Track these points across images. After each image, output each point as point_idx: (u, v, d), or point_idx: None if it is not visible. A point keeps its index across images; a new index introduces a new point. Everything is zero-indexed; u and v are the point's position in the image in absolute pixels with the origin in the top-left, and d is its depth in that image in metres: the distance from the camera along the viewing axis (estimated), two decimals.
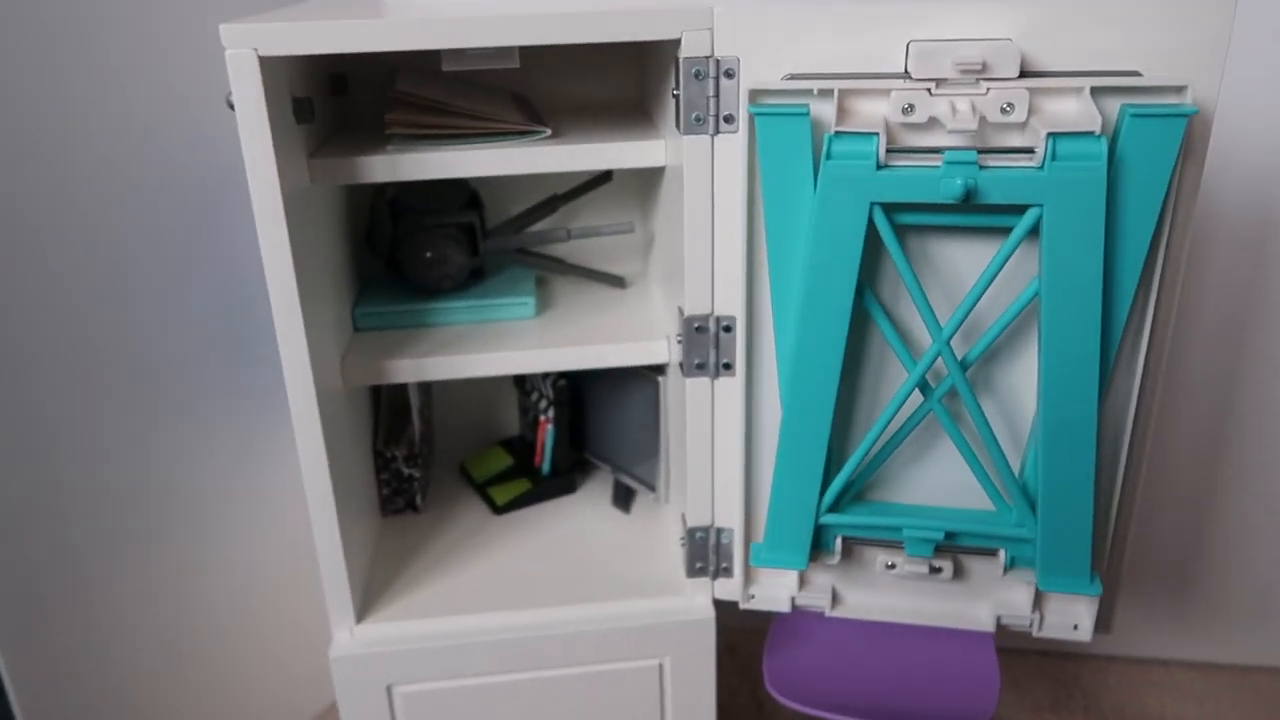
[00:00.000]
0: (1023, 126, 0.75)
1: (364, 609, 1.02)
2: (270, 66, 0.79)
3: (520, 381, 1.28)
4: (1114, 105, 0.73)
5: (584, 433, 1.24)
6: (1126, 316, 0.76)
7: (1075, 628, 0.90)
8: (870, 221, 0.76)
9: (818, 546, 0.89)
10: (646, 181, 1.20)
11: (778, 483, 0.86)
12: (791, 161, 0.77)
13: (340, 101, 1.12)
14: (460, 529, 1.16)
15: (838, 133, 0.74)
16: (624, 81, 1.19)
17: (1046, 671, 1.53)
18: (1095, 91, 0.73)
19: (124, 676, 1.16)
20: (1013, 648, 1.57)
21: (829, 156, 0.74)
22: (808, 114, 0.76)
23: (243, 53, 0.76)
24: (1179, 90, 0.73)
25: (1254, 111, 1.24)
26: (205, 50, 1.12)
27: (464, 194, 1.12)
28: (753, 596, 0.96)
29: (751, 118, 0.78)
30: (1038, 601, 0.90)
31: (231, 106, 0.84)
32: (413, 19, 0.79)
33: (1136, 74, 0.75)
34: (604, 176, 1.16)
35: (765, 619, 1.61)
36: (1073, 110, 0.74)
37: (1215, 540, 1.47)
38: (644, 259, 1.26)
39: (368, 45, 0.78)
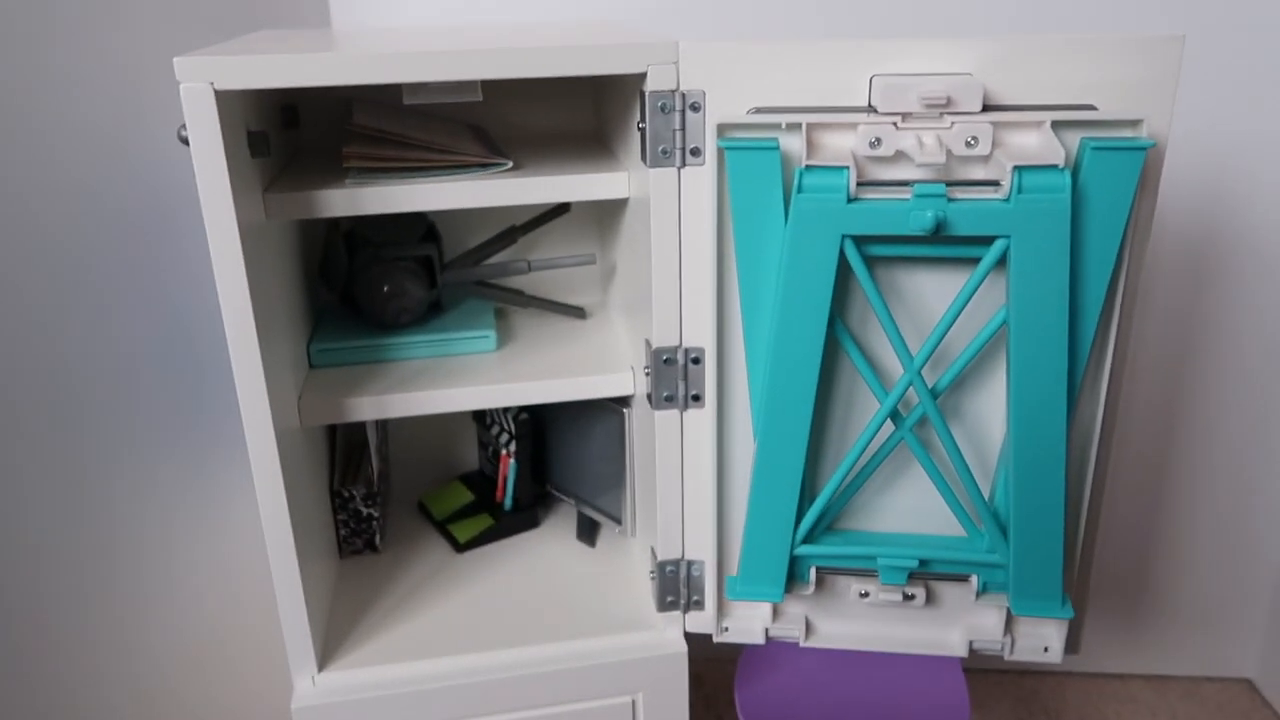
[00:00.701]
0: (986, 159, 0.76)
1: (326, 656, 0.98)
2: (225, 100, 0.77)
3: (480, 415, 1.26)
4: (1073, 138, 0.75)
5: (546, 466, 1.22)
6: (1091, 341, 0.77)
7: (1045, 649, 0.91)
8: (841, 253, 0.76)
9: (792, 577, 0.88)
10: (605, 212, 1.19)
11: (752, 515, 0.85)
12: (761, 194, 0.77)
13: (292, 134, 1.10)
14: (422, 568, 1.13)
15: (808, 166, 0.74)
16: (580, 112, 1.19)
17: (1007, 690, 1.54)
18: (1055, 125, 0.75)
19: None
20: (973, 667, 1.59)
21: (800, 190, 0.74)
22: (778, 148, 0.76)
23: (198, 86, 0.74)
24: (1134, 124, 0.75)
25: (1182, 141, 1.29)
26: (147, 80, 1.08)
27: (421, 226, 1.11)
28: (726, 629, 0.96)
29: (721, 151, 0.78)
30: (1008, 625, 0.91)
31: (184, 141, 0.81)
32: (375, 52, 0.77)
33: (1092, 108, 0.77)
34: (562, 207, 1.15)
35: (730, 649, 1.60)
36: (1034, 143, 0.76)
37: (1163, 557, 1.50)
38: (603, 289, 1.25)
39: (329, 79, 0.76)
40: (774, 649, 1.18)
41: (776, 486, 0.84)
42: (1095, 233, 0.74)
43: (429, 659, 0.98)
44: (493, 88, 1.16)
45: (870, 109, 0.78)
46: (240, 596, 1.31)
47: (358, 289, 1.07)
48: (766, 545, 0.86)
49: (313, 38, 0.95)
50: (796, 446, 0.82)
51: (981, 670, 1.58)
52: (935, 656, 1.16)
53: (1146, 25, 1.25)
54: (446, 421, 1.30)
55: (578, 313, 1.18)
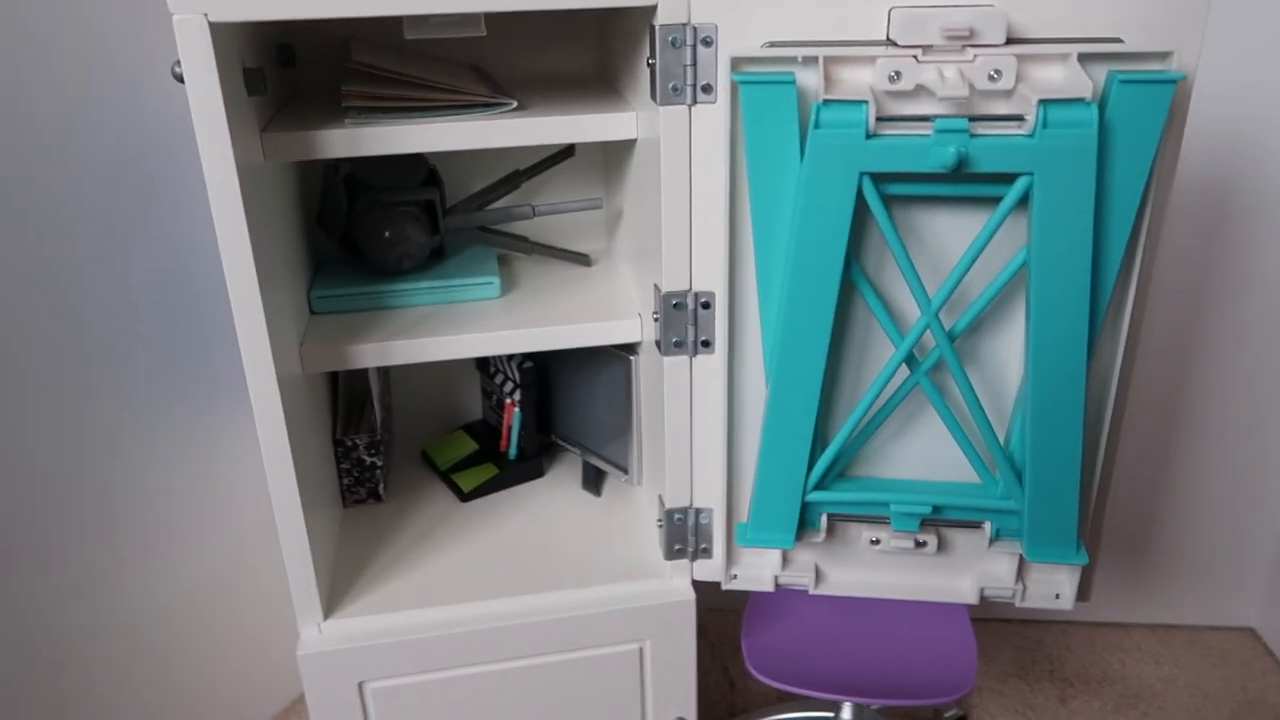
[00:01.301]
0: (1009, 94, 0.73)
1: (331, 604, 0.98)
2: (220, 34, 0.74)
3: (483, 364, 1.24)
4: (1100, 72, 0.72)
5: (551, 415, 1.21)
6: (1113, 283, 0.75)
7: (1057, 597, 0.90)
8: (858, 192, 0.74)
9: (802, 524, 0.87)
10: (610, 155, 1.16)
11: (764, 461, 0.84)
12: (777, 131, 0.75)
13: (288, 73, 1.07)
14: (426, 518, 1.12)
15: (826, 101, 0.71)
16: (583, 52, 1.16)
17: (1010, 639, 1.55)
18: (1082, 58, 0.72)
19: (74, 673, 1.10)
20: (977, 616, 1.59)
21: (817, 125, 0.72)
22: (794, 82, 0.73)
23: (192, 19, 0.71)
24: (1164, 57, 0.72)
25: (1206, 82, 1.26)
26: (141, 16, 1.05)
27: (422, 170, 1.08)
28: (735, 576, 0.95)
29: (735, 86, 0.75)
30: (1020, 572, 0.90)
31: (178, 77, 0.78)
32: None
33: (1119, 40, 0.75)
34: (567, 151, 1.12)
35: (736, 600, 1.60)
36: (1058, 77, 0.73)
37: (1167, 507, 1.50)
38: (608, 235, 1.23)
39: (329, 10, 0.74)
40: (780, 598, 1.17)
41: (789, 432, 0.82)
42: (1121, 170, 0.71)
43: (435, 607, 0.97)
44: (494, 27, 1.12)
45: (889, 42, 0.75)
46: (245, 545, 1.31)
47: (358, 234, 1.04)
48: (778, 491, 0.85)
49: None
50: (810, 391, 0.80)
51: (984, 619, 1.58)
52: (942, 605, 1.16)
53: None
54: (449, 370, 1.29)
55: (582, 259, 1.16)
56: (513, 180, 1.12)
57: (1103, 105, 0.71)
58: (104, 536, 1.12)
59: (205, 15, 0.71)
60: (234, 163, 0.75)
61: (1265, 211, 1.31)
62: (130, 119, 1.07)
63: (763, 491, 0.85)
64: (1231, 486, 1.48)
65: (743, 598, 1.58)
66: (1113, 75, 0.70)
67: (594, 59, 1.16)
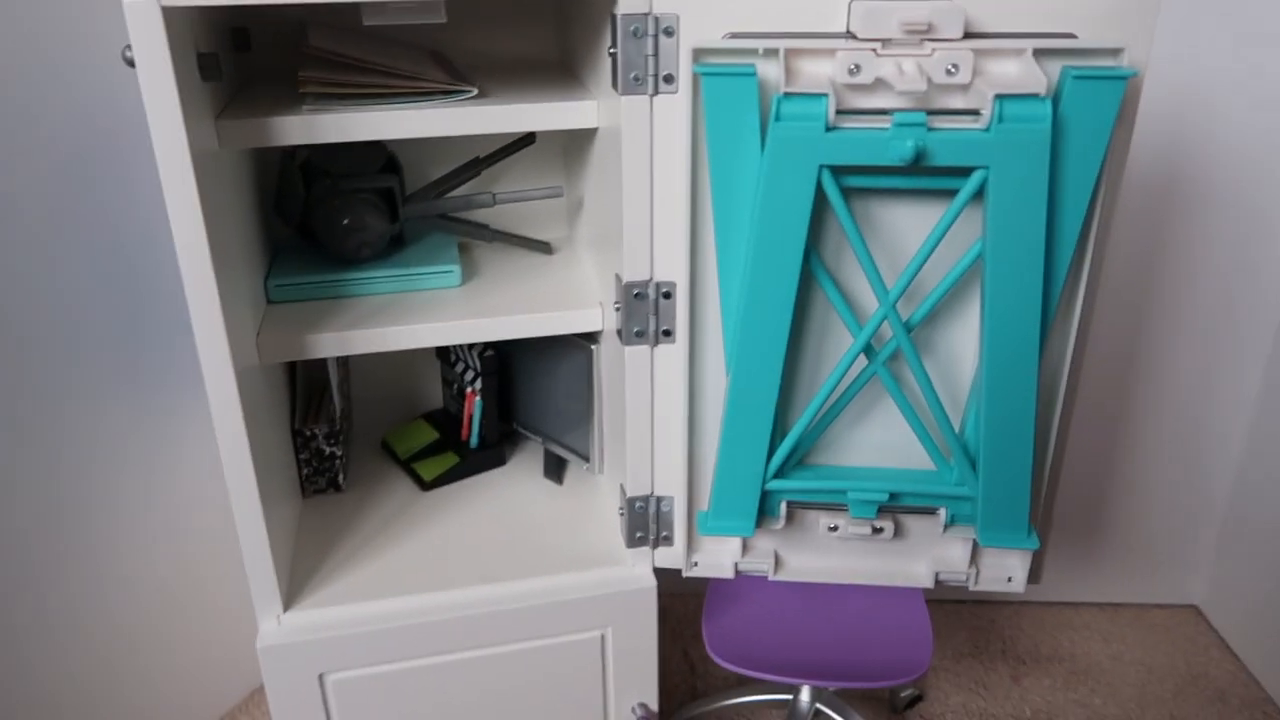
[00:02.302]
0: (966, 88, 0.74)
1: (291, 596, 0.97)
2: (173, 18, 0.73)
3: (444, 352, 1.24)
4: (1054, 67, 0.74)
5: (512, 403, 1.20)
6: (1065, 275, 0.77)
7: (1009, 580, 0.92)
8: (818, 184, 0.74)
9: (762, 512, 0.88)
10: (571, 143, 1.16)
11: (724, 450, 0.85)
12: (738, 122, 0.75)
13: (244, 58, 1.05)
14: (387, 507, 1.12)
15: (787, 94, 0.72)
16: (543, 37, 1.15)
17: (964, 619, 1.58)
18: (1037, 54, 0.73)
19: (31, 669, 1.08)
20: (931, 598, 1.62)
21: (778, 118, 0.72)
22: (755, 74, 0.74)
23: (143, 2, 0.69)
24: (1115, 53, 0.74)
25: (1150, 81, 1.28)
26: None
27: (381, 156, 1.07)
28: (696, 564, 0.96)
29: (696, 77, 0.76)
30: (974, 556, 0.92)
31: (129, 62, 0.77)
32: None
33: (1073, 36, 0.76)
34: (527, 138, 1.12)
35: (694, 583, 1.61)
36: (1014, 72, 0.74)
37: (1114, 489, 1.54)
38: (569, 223, 1.23)
39: None
40: (740, 584, 1.19)
41: (749, 421, 0.83)
42: (1073, 164, 0.73)
43: (396, 597, 0.97)
44: (453, 10, 1.11)
45: (849, 35, 0.76)
46: (201, 536, 1.29)
47: (316, 222, 1.03)
48: (738, 480, 0.86)
49: None
50: (770, 381, 0.81)
51: (939, 600, 1.61)
52: (899, 589, 1.18)
53: None
54: (409, 359, 1.28)
55: (544, 247, 1.16)
56: (473, 167, 1.11)
57: (1056, 100, 0.72)
58: (51, 529, 1.10)
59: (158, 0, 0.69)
60: (188, 150, 0.74)
61: (1208, 206, 1.35)
62: (74, 103, 1.04)
63: (723, 480, 0.86)
64: (1176, 470, 1.52)
65: (703, 583, 1.60)
66: (1066, 71, 0.72)
67: (554, 44, 1.15)
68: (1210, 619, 1.59)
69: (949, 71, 0.73)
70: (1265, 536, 1.45)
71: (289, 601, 0.96)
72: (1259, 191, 1.34)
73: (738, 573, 0.95)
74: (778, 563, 0.95)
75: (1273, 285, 1.40)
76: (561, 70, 1.10)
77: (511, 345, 1.18)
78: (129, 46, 0.78)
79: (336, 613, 0.95)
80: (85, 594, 1.15)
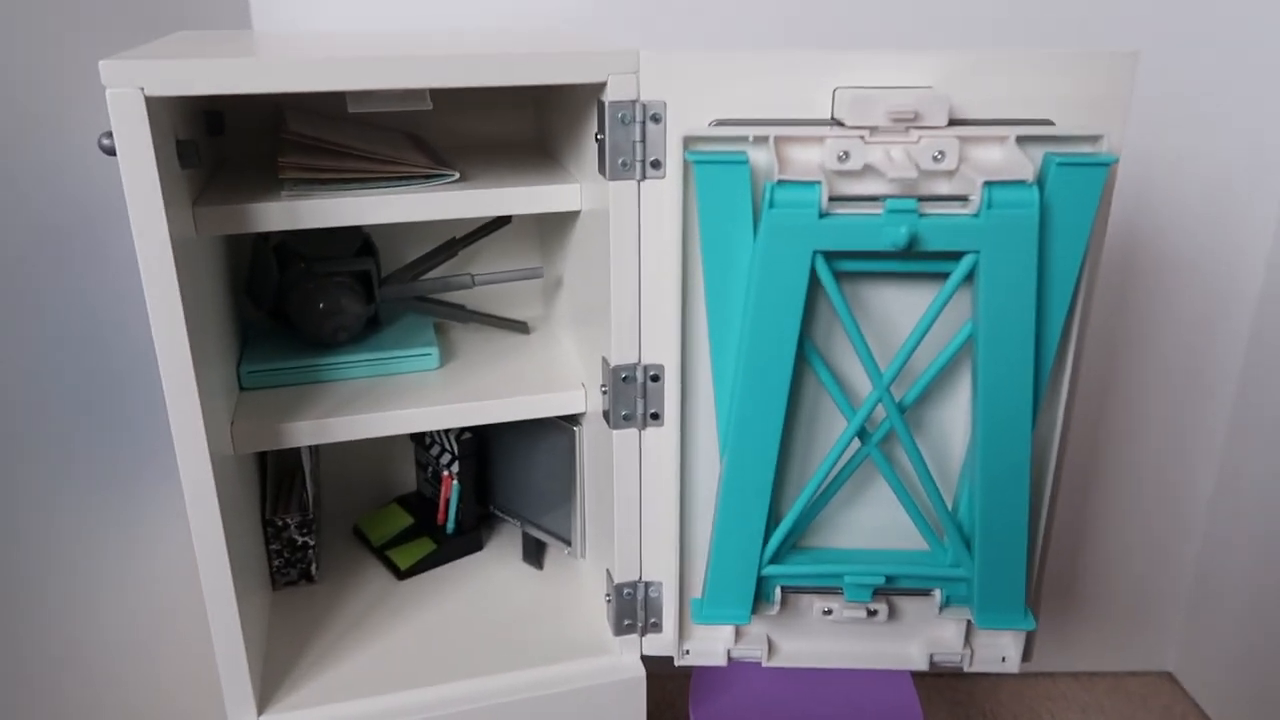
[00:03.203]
0: (951, 174, 0.76)
1: (265, 697, 0.92)
2: (154, 107, 0.71)
3: (418, 435, 1.21)
4: (1036, 153, 0.75)
5: (489, 486, 1.18)
6: (1054, 353, 0.78)
7: (1004, 659, 0.91)
8: (811, 269, 0.75)
9: (757, 598, 0.87)
10: (547, 223, 1.16)
11: (719, 537, 0.83)
12: (730, 209, 0.75)
13: (216, 142, 1.04)
14: (362, 599, 1.08)
15: (780, 181, 0.72)
16: (520, 121, 1.16)
17: (944, 694, 1.56)
18: (1019, 140, 0.75)
19: None
20: (911, 672, 1.61)
21: (772, 205, 0.73)
22: (747, 161, 0.74)
23: (127, 91, 0.68)
24: (1094, 139, 0.76)
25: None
26: (47, 82, 1.00)
27: (356, 239, 1.05)
28: (687, 652, 0.93)
29: (688, 164, 0.76)
30: (968, 636, 0.91)
31: (106, 150, 0.75)
32: (325, 58, 0.73)
33: (1050, 122, 0.78)
34: (503, 219, 1.11)
35: (670, 665, 1.58)
36: (998, 158, 0.76)
37: (1087, 558, 1.55)
38: (544, 302, 1.22)
39: (275, 85, 0.71)
40: (726, 667, 1.16)
41: (744, 507, 0.82)
42: (1060, 245, 0.74)
43: (376, 696, 0.93)
44: (438, 97, 1.11)
45: (833, 122, 0.77)
46: (163, 635, 1.23)
47: (290, 306, 1.01)
48: (734, 567, 0.84)
49: (238, 41, 0.89)
50: (765, 466, 0.80)
51: (918, 674, 1.60)
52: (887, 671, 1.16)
53: (1086, 39, 1.28)
54: (381, 442, 1.25)
55: (520, 327, 1.14)
56: (449, 249, 1.10)
57: (1041, 185, 0.74)
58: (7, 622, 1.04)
59: (142, 89, 0.68)
60: (169, 240, 0.72)
61: (1171, 269, 1.39)
62: (48, 187, 1.01)
63: (719, 567, 0.84)
64: (1146, 537, 1.54)
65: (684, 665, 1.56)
66: (1049, 158, 0.73)
67: (531, 126, 1.16)
68: (1184, 685, 1.59)
69: (935, 158, 0.74)
70: (1233, 601, 1.47)
71: (263, 704, 0.91)
72: (1217, 257, 1.38)
73: (731, 660, 0.93)
74: (771, 648, 0.93)
75: (1231, 354, 1.43)
76: (538, 152, 1.10)
77: (489, 427, 1.16)
78: (107, 134, 0.76)
79: (313, 714, 0.91)
80: (42, 694, 1.08)
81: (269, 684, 0.94)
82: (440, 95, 1.12)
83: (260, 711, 0.90)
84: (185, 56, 0.71)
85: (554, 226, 1.11)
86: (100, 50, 0.94)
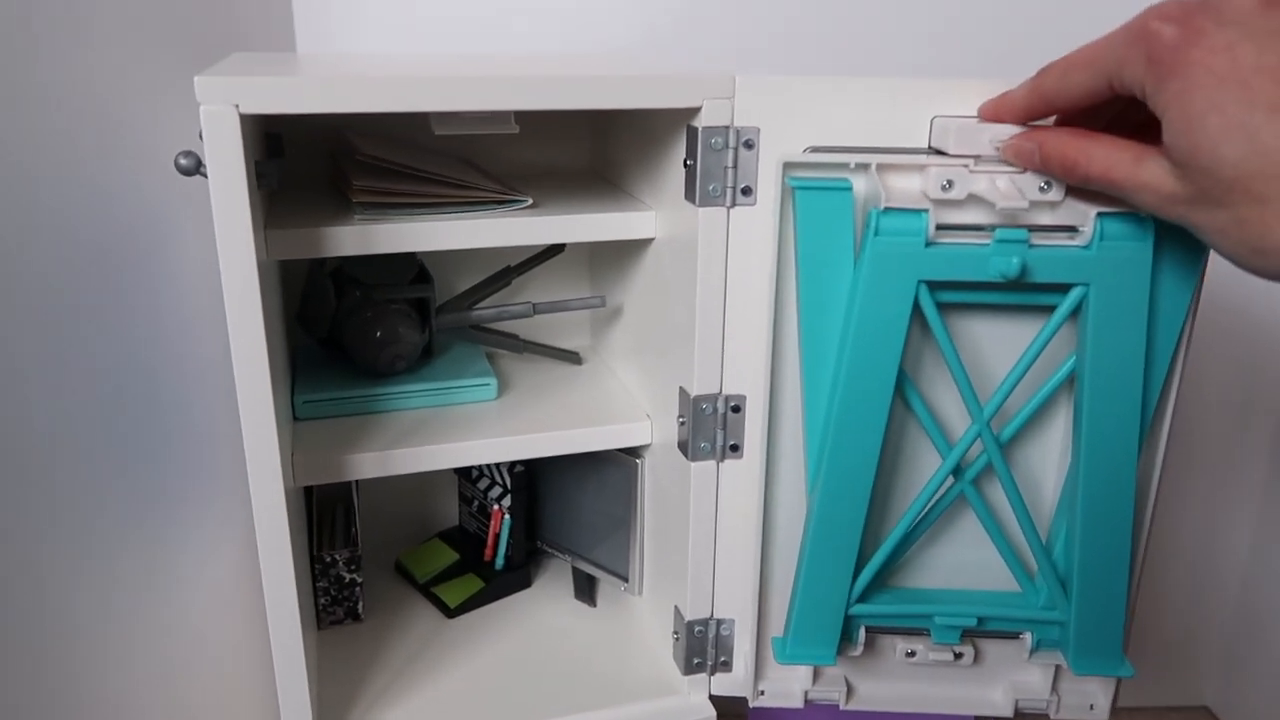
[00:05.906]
0: (1056, 205, 0.74)
1: None
2: (245, 125, 0.69)
3: (464, 467, 1.17)
4: None
5: (538, 520, 1.14)
6: (1160, 391, 0.76)
7: (1091, 708, 0.89)
8: (914, 299, 0.73)
9: (842, 638, 0.84)
10: (599, 251, 1.14)
11: (807, 574, 0.80)
12: (831, 236, 0.73)
13: (275, 164, 1.01)
14: (411, 638, 1.04)
15: (887, 209, 0.71)
16: (574, 147, 1.14)
17: None
18: None
19: None
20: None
21: (877, 233, 0.71)
22: (850, 189, 0.72)
23: (221, 109, 0.65)
24: None
25: None
26: (101, 105, 0.97)
27: (413, 266, 1.03)
28: (763, 693, 0.90)
29: (787, 190, 0.74)
30: (1055, 682, 0.89)
31: (183, 170, 0.72)
32: (422, 77, 0.70)
33: None
34: (557, 247, 1.09)
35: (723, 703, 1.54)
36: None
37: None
38: (592, 332, 1.20)
39: (372, 105, 0.69)
40: (782, 710, 1.13)
41: (834, 544, 0.79)
42: (1170, 280, 0.73)
43: None
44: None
45: (932, 150, 0.76)
46: (194, 684, 1.18)
47: (346, 333, 0.98)
48: (820, 605, 0.81)
49: (292, 63, 0.87)
50: (858, 503, 0.78)
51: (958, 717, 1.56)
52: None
53: None
54: (424, 474, 1.21)
55: (573, 357, 1.12)
56: (504, 277, 1.08)
57: (1155, 217, 0.72)
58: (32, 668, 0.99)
59: (237, 106, 0.65)
60: (255, 263, 0.69)
61: (1227, 322, 1.38)
62: (108, 207, 0.98)
63: (805, 606, 0.82)
64: (1186, 572, 1.52)
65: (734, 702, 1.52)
66: None
67: (585, 152, 1.14)
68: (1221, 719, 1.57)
69: (1042, 189, 0.72)
70: (1273, 636, 1.45)
71: None
72: (1269, 290, 1.38)
73: (808, 702, 0.90)
74: (849, 690, 0.90)
75: (1277, 389, 1.43)
76: (595, 178, 1.08)
77: (538, 459, 1.12)
78: (184, 153, 0.74)
79: None
80: None
81: None
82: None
83: None
84: (280, 74, 0.69)
85: (610, 255, 1.09)
86: (154, 77, 0.91)
